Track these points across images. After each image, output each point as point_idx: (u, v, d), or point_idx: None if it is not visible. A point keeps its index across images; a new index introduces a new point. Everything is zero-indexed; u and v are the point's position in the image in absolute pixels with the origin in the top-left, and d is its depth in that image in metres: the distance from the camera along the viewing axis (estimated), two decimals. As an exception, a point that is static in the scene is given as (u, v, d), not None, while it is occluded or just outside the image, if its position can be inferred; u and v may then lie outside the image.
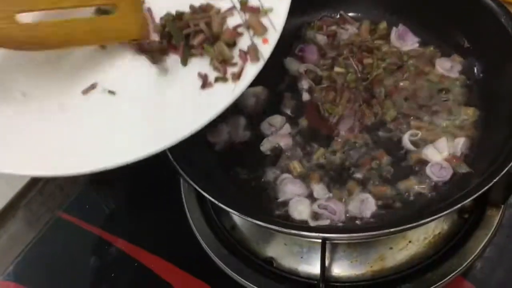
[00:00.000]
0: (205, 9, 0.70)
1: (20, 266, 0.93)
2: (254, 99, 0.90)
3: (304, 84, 0.91)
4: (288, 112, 0.89)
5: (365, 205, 0.76)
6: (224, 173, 0.83)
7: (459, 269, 0.76)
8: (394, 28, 0.95)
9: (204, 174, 0.75)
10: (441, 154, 0.80)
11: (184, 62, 0.69)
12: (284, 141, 0.85)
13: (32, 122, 0.67)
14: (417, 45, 0.94)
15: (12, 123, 0.67)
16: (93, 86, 0.70)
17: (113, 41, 0.70)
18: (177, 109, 0.67)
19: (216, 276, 0.82)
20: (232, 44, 0.69)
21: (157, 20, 0.72)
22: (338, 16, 1.00)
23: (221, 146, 0.86)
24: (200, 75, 0.68)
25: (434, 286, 0.75)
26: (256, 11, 0.68)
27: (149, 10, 0.72)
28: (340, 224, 0.75)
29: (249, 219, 0.67)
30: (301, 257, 0.80)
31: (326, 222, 0.75)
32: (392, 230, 0.64)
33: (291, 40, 0.97)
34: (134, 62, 0.71)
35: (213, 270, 0.82)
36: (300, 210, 0.77)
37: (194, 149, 0.80)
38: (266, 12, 0.68)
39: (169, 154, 0.72)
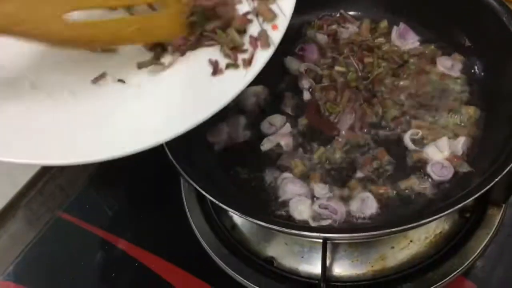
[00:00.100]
0: None
1: (20, 266, 0.92)
2: (255, 99, 0.90)
3: (305, 83, 0.91)
4: (289, 111, 0.89)
5: (366, 204, 0.76)
6: (225, 173, 0.83)
7: (460, 269, 0.76)
8: (394, 27, 0.95)
9: (205, 174, 0.75)
10: (442, 153, 0.80)
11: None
12: (285, 141, 0.84)
13: (42, 111, 0.67)
14: (418, 43, 0.94)
15: (22, 113, 0.67)
16: (103, 75, 0.70)
17: (158, 39, 0.70)
18: (189, 96, 0.67)
19: (217, 276, 0.82)
20: (242, 31, 0.69)
21: None
22: (339, 15, 1.00)
23: (221, 146, 0.86)
24: (211, 62, 0.68)
25: (435, 285, 0.75)
26: None
27: None
28: (341, 224, 0.75)
29: (250, 219, 0.67)
30: (302, 257, 0.80)
31: (327, 221, 0.75)
32: (393, 230, 0.64)
33: (291, 39, 0.97)
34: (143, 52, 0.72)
35: (214, 270, 0.82)
36: (301, 209, 0.77)
37: (194, 149, 0.80)
38: None
39: (169, 154, 0.72)
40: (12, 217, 1.00)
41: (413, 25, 0.94)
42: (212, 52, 0.69)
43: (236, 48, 0.68)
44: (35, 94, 0.68)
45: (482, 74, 0.87)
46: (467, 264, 0.76)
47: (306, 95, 0.90)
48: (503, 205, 0.80)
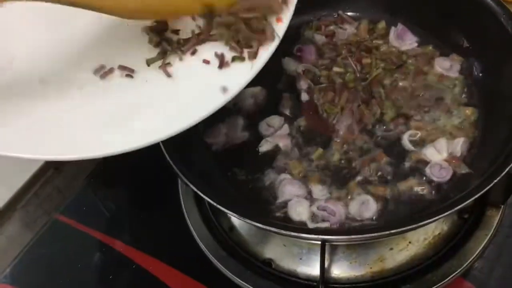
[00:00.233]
0: None
1: (17, 269, 0.92)
2: (253, 100, 0.90)
3: (303, 84, 0.91)
4: (287, 112, 0.88)
5: (365, 206, 0.76)
6: (222, 174, 0.83)
7: (459, 270, 0.76)
8: (393, 28, 0.95)
9: (202, 176, 0.74)
10: (440, 155, 0.79)
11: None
12: (283, 142, 0.84)
13: (51, 107, 0.68)
14: (416, 44, 0.93)
15: (30, 108, 0.67)
16: (111, 70, 0.71)
17: (218, 9, 0.70)
18: (197, 88, 0.68)
19: (215, 278, 0.81)
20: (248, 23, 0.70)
21: None
22: (337, 16, 1.00)
23: (219, 147, 0.86)
24: (217, 55, 0.69)
25: (434, 287, 0.75)
26: None
27: None
28: (340, 225, 0.75)
29: (248, 221, 0.67)
30: (300, 259, 0.80)
31: (325, 223, 0.75)
32: (392, 231, 0.63)
33: (289, 40, 0.96)
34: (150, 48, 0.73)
35: (212, 272, 0.81)
36: (299, 211, 0.77)
37: (192, 150, 0.80)
38: None
39: (166, 156, 0.72)
40: (9, 220, 1.00)
41: (411, 26, 0.94)
42: (217, 46, 0.70)
43: (241, 42, 0.69)
44: (43, 88, 0.69)
45: (481, 75, 0.87)
46: (466, 265, 0.76)
47: (304, 96, 0.90)
48: (502, 206, 0.80)
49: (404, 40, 0.94)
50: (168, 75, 0.70)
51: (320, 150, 0.83)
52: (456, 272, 0.75)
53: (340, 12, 1.00)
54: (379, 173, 0.79)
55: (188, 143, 0.79)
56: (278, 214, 0.78)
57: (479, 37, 0.87)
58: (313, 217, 0.76)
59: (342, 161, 0.82)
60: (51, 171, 1.04)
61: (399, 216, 0.75)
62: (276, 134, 0.86)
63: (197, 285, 0.84)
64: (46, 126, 0.66)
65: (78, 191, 1.02)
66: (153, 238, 0.91)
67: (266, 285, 0.78)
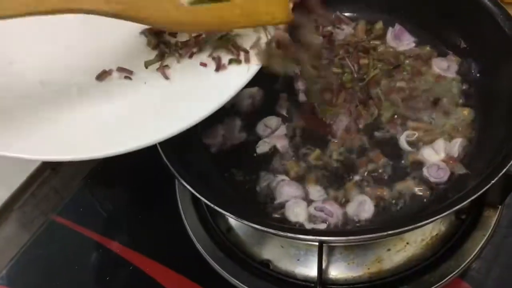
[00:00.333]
0: None
1: (13, 270, 0.92)
2: (250, 100, 0.89)
3: (300, 84, 0.90)
4: (284, 113, 0.88)
5: (363, 207, 0.76)
6: (220, 175, 0.82)
7: (456, 271, 0.76)
8: (390, 28, 0.95)
9: (199, 177, 0.74)
10: (438, 155, 0.79)
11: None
12: (280, 143, 0.84)
13: (50, 108, 0.68)
14: (413, 45, 0.93)
15: (31, 110, 0.67)
16: (109, 72, 0.71)
17: (263, 23, 0.71)
18: (194, 90, 0.69)
19: (212, 279, 0.81)
20: None
21: None
22: (334, 16, 1.00)
23: (216, 148, 0.86)
24: (213, 57, 0.71)
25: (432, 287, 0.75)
26: None
27: None
28: (337, 226, 0.75)
29: (245, 222, 0.67)
30: (298, 260, 0.80)
31: (323, 224, 0.75)
32: (389, 232, 0.63)
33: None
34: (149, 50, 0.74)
35: (209, 273, 0.81)
36: (297, 212, 0.77)
37: (190, 151, 0.80)
38: None
39: (163, 157, 0.72)
40: (6, 220, 0.99)
41: (409, 26, 0.94)
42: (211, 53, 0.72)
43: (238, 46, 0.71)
44: (43, 90, 0.70)
45: (478, 75, 0.87)
46: (464, 266, 0.76)
47: (302, 97, 0.89)
48: (499, 206, 0.80)
49: (401, 40, 0.94)
50: (166, 77, 0.71)
51: (317, 151, 0.82)
52: (454, 273, 0.75)
53: (338, 12, 1.00)
54: (377, 174, 0.79)
55: (186, 144, 0.79)
56: (275, 215, 0.78)
57: (477, 38, 0.87)
58: (311, 218, 0.76)
59: (340, 162, 0.81)
60: (48, 172, 1.04)
61: (396, 217, 0.75)
62: (274, 135, 0.86)
63: (194, 287, 0.83)
64: (44, 127, 0.66)
65: (75, 191, 1.01)
66: (150, 239, 0.91)
67: (264, 286, 0.78)
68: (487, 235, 0.78)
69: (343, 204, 0.77)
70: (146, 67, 0.72)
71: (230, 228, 0.85)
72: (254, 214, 0.76)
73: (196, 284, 0.84)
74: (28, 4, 0.57)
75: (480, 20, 0.84)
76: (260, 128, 0.87)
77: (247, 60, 0.70)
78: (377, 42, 0.94)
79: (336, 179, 0.80)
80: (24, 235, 0.97)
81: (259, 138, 0.86)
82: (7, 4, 0.57)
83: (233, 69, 0.70)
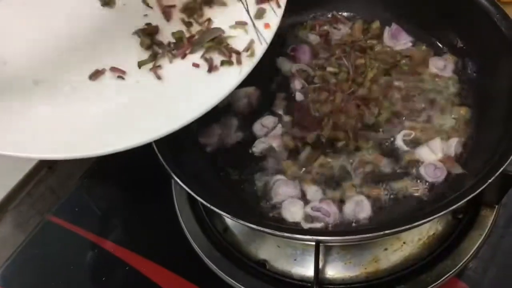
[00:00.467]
0: None
1: (8, 270, 0.91)
2: (246, 100, 0.89)
3: (297, 84, 0.90)
4: (281, 112, 0.88)
5: (360, 207, 0.76)
6: (216, 175, 0.82)
7: (453, 270, 0.76)
8: (387, 28, 0.95)
9: (196, 176, 0.74)
10: (435, 155, 0.79)
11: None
12: (277, 142, 0.84)
13: (44, 107, 0.68)
14: (410, 44, 0.93)
15: (24, 109, 0.68)
16: (102, 72, 0.72)
17: None
18: (187, 91, 0.70)
19: (208, 279, 0.81)
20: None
21: None
22: (331, 15, 1.00)
23: (213, 147, 0.85)
24: (205, 59, 0.71)
25: (428, 287, 0.75)
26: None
27: None
28: (334, 226, 0.75)
29: (241, 221, 0.66)
30: (295, 260, 0.80)
31: (319, 224, 0.75)
32: (386, 232, 0.63)
33: (283, 39, 0.96)
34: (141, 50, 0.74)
35: (205, 273, 0.81)
36: (293, 212, 0.77)
37: (186, 151, 0.79)
38: None
39: (159, 156, 0.72)
40: (1, 220, 0.99)
41: (406, 25, 0.94)
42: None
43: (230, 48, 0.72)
44: (36, 89, 0.70)
45: (475, 74, 0.87)
46: (460, 265, 0.76)
47: (299, 96, 0.89)
48: (496, 206, 0.80)
49: (398, 40, 0.93)
50: (159, 77, 0.71)
51: (314, 151, 0.82)
52: (451, 273, 0.75)
53: (334, 12, 1.00)
54: (374, 174, 0.79)
55: (182, 144, 0.78)
56: (272, 214, 0.77)
57: (473, 37, 0.87)
58: (307, 217, 0.76)
59: (337, 162, 0.81)
60: (45, 171, 1.03)
61: (393, 216, 0.75)
62: (270, 134, 0.85)
63: (190, 286, 0.83)
64: (38, 125, 0.66)
65: (71, 191, 1.01)
66: (146, 239, 0.90)
67: (260, 286, 0.78)
68: (483, 235, 0.78)
69: (340, 204, 0.77)
70: (139, 67, 0.72)
71: (226, 228, 0.85)
72: (250, 214, 0.76)
73: (193, 284, 0.83)
74: None
75: (476, 20, 0.84)
76: (257, 128, 0.87)
77: (239, 62, 0.70)
78: (374, 42, 0.94)
79: (333, 179, 0.80)
80: (20, 235, 0.96)
81: (255, 137, 0.85)
82: None
83: (225, 70, 0.70)
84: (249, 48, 0.72)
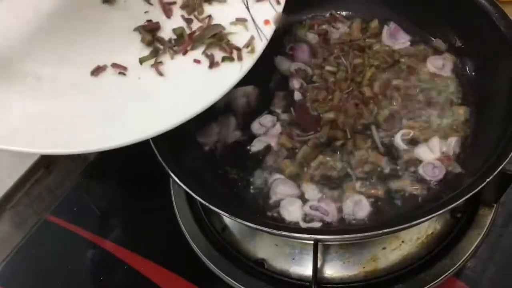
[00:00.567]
0: None
1: (6, 270, 0.91)
2: (245, 99, 0.89)
3: (295, 83, 0.90)
4: (279, 111, 0.88)
5: (359, 206, 0.75)
6: (214, 174, 0.82)
7: (452, 269, 0.76)
8: (385, 27, 0.95)
9: (194, 175, 0.74)
10: (433, 154, 0.79)
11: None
12: (275, 141, 0.84)
13: (46, 103, 0.69)
14: (408, 43, 0.93)
15: (27, 104, 0.68)
16: (103, 68, 0.72)
17: None
18: (188, 87, 0.70)
19: (207, 278, 0.81)
20: None
21: None
22: (329, 14, 1.00)
23: (211, 146, 0.85)
24: (207, 55, 0.72)
25: (427, 286, 0.75)
26: None
27: None
28: (333, 225, 0.75)
29: (239, 220, 0.66)
30: (293, 259, 0.80)
31: (318, 223, 0.75)
32: (385, 231, 0.63)
33: (281, 38, 0.96)
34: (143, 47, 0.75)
35: (204, 272, 0.81)
36: (292, 210, 0.77)
37: (184, 150, 0.79)
38: None
39: (158, 155, 0.71)
40: (-1, 220, 0.99)
41: (404, 25, 0.94)
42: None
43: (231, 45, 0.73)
44: (38, 85, 0.70)
45: (473, 74, 0.87)
46: (459, 264, 0.76)
47: (297, 95, 0.89)
48: (495, 205, 0.80)
49: (397, 39, 0.93)
50: (160, 73, 0.72)
51: (320, 157, 0.82)
52: (449, 272, 0.75)
53: (333, 11, 1.00)
54: (372, 173, 0.79)
55: (180, 143, 0.78)
56: (270, 213, 0.77)
57: (472, 36, 0.87)
58: (306, 216, 0.76)
59: (335, 161, 0.81)
60: (42, 171, 1.03)
61: (392, 215, 0.75)
62: (268, 133, 0.85)
63: (189, 286, 0.83)
64: (40, 120, 0.67)
65: (69, 191, 1.01)
66: (145, 238, 0.90)
67: (259, 285, 0.78)
68: (482, 234, 0.78)
69: (339, 203, 0.77)
70: (141, 64, 0.73)
71: (225, 227, 0.84)
72: (248, 212, 0.76)
73: (191, 283, 0.83)
74: None
75: (475, 19, 0.84)
76: (255, 127, 0.86)
77: (240, 58, 0.71)
78: (373, 41, 0.94)
79: (331, 178, 0.80)
80: (18, 234, 0.96)
81: (254, 136, 0.85)
82: None
83: (226, 66, 0.71)
84: (249, 44, 0.73)
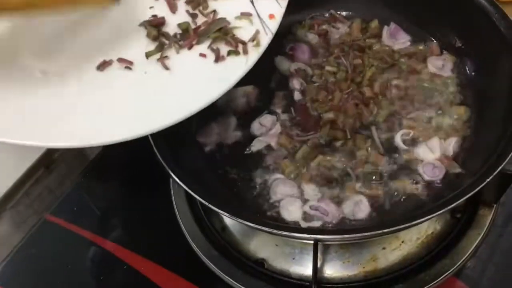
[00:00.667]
0: None
1: (6, 270, 0.91)
2: (245, 99, 0.89)
3: (296, 83, 0.90)
4: (279, 111, 0.88)
5: (358, 206, 0.76)
6: (214, 174, 0.82)
7: (452, 269, 0.76)
8: (385, 27, 0.95)
9: (194, 175, 0.74)
10: (433, 154, 0.79)
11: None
12: (275, 141, 0.84)
13: (51, 96, 0.69)
14: (408, 43, 0.93)
15: (32, 97, 0.68)
16: (109, 62, 0.72)
17: (82, 3, 0.73)
18: (194, 81, 0.71)
19: (206, 278, 0.81)
20: None
21: None
22: (329, 15, 1.00)
23: (211, 146, 0.85)
24: (212, 49, 0.72)
25: (427, 286, 0.75)
26: None
27: None
28: (333, 225, 0.75)
29: (239, 220, 0.66)
30: (293, 258, 0.80)
31: (318, 223, 0.75)
32: (385, 231, 0.63)
33: (281, 38, 0.96)
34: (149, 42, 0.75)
35: (203, 272, 0.81)
36: (292, 210, 0.77)
37: (184, 149, 0.79)
38: None
39: (158, 155, 0.71)
40: (-1, 220, 0.99)
41: (404, 24, 0.94)
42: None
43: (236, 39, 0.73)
44: (44, 79, 0.71)
45: (473, 74, 0.87)
46: (459, 264, 0.76)
47: (297, 95, 0.89)
48: (494, 205, 0.80)
49: (397, 39, 0.93)
50: (166, 67, 0.72)
51: (320, 157, 0.82)
52: (449, 272, 0.75)
53: (333, 11, 1.00)
54: (372, 173, 0.79)
55: (180, 143, 0.78)
56: (270, 213, 0.77)
57: (472, 37, 0.87)
58: (306, 216, 0.76)
59: (335, 161, 0.81)
60: (42, 170, 1.03)
61: (392, 215, 0.75)
62: (269, 133, 0.85)
63: (189, 286, 0.83)
64: (44, 114, 0.67)
65: (69, 190, 1.01)
66: (145, 238, 0.90)
67: (259, 285, 0.78)
68: (482, 234, 0.78)
69: (339, 203, 0.77)
70: (147, 58, 0.73)
71: (224, 227, 0.84)
72: (248, 212, 0.76)
73: (191, 283, 0.83)
74: None
75: (475, 19, 0.84)
76: (255, 127, 0.86)
77: (246, 52, 0.71)
78: (373, 41, 0.94)
79: (331, 178, 0.79)
80: (18, 234, 0.96)
81: (254, 136, 0.85)
82: None
83: (232, 60, 0.71)
84: (254, 38, 0.73)
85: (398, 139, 0.81)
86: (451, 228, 0.80)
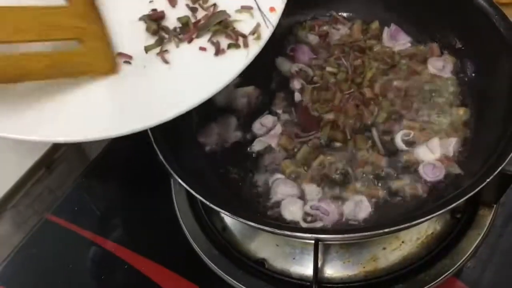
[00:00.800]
0: None
1: (7, 270, 0.91)
2: (245, 99, 0.89)
3: (296, 84, 0.90)
4: (280, 112, 0.88)
5: (359, 206, 0.76)
6: (215, 174, 0.82)
7: (452, 269, 0.76)
8: (386, 28, 0.95)
9: (195, 175, 0.74)
10: (433, 154, 0.80)
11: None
12: (276, 142, 0.84)
13: (49, 92, 0.68)
14: (409, 44, 0.94)
15: (35, 92, 0.68)
16: None
17: (80, 75, 0.70)
18: (194, 74, 0.70)
19: (207, 278, 0.81)
20: None
21: None
22: (330, 16, 1.00)
23: (212, 146, 0.86)
24: (212, 42, 0.72)
25: (427, 286, 0.75)
26: None
27: None
28: (333, 225, 0.75)
29: (241, 219, 0.66)
30: (294, 258, 0.80)
31: (318, 223, 0.75)
32: (385, 230, 0.63)
33: (282, 39, 0.96)
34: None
35: (204, 272, 0.81)
36: (292, 210, 0.77)
37: (185, 149, 0.80)
38: None
39: (159, 154, 0.72)
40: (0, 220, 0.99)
41: (405, 26, 0.94)
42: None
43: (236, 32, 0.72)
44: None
45: (473, 75, 0.87)
46: (459, 264, 0.76)
47: (298, 96, 0.90)
48: (494, 205, 0.81)
49: (397, 40, 0.94)
50: (166, 61, 0.72)
51: (321, 157, 0.82)
52: (449, 272, 0.76)
53: (334, 12, 1.00)
54: (373, 173, 0.79)
55: (181, 142, 0.79)
56: (271, 213, 0.78)
57: (472, 38, 0.87)
58: (306, 216, 0.76)
59: (336, 161, 0.81)
60: (43, 170, 1.03)
61: (392, 215, 0.75)
62: (269, 134, 0.86)
63: (190, 285, 0.83)
64: (43, 108, 0.67)
65: (69, 190, 1.01)
66: (145, 237, 0.90)
67: (259, 285, 0.78)
68: (482, 234, 0.78)
69: (339, 203, 0.77)
70: (146, 52, 0.73)
71: (225, 227, 0.85)
72: (249, 212, 0.76)
73: (192, 283, 0.83)
74: None
75: (475, 20, 0.84)
76: (256, 127, 0.87)
77: (246, 45, 0.71)
78: (373, 42, 0.94)
79: (332, 178, 0.80)
80: (18, 234, 0.96)
81: (254, 137, 0.86)
82: None
83: (232, 53, 0.71)
84: (255, 31, 0.72)
85: (398, 140, 0.82)
86: (451, 228, 0.80)
